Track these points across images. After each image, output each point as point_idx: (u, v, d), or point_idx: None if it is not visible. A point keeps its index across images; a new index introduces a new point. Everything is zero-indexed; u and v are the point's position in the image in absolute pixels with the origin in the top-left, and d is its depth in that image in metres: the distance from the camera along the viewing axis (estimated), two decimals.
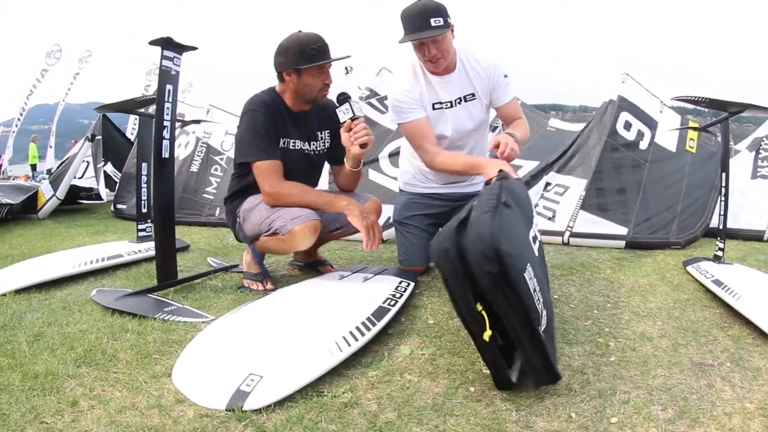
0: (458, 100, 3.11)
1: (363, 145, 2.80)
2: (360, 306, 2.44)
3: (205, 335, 2.24)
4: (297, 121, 2.99)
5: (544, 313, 1.91)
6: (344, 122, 2.80)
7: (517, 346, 1.82)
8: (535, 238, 2.09)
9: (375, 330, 2.21)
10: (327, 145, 3.15)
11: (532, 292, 1.78)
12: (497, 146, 2.72)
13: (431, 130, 3.08)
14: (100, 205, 7.60)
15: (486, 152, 3.43)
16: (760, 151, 5.23)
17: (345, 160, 3.03)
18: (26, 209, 6.50)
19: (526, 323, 1.75)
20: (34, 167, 20.67)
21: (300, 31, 2.87)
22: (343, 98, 2.82)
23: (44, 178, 11.03)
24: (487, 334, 1.74)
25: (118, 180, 7.29)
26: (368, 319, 2.28)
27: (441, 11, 2.83)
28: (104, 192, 7.64)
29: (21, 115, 13.72)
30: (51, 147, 14.35)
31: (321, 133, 3.10)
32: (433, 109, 3.11)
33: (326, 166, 3.35)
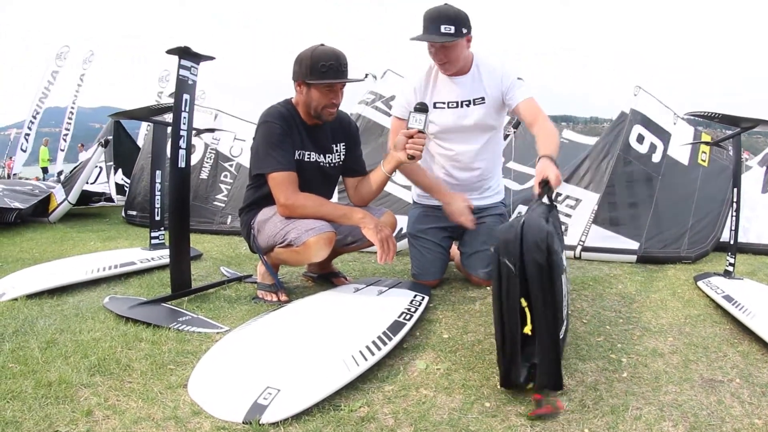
0: (466, 103, 3.17)
1: (411, 157, 2.84)
2: (375, 320, 2.45)
3: (220, 346, 2.24)
4: (312, 133, 3.00)
5: (565, 323, 2.01)
6: (411, 128, 2.82)
7: (537, 342, 1.86)
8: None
9: (391, 345, 2.21)
10: (342, 157, 3.15)
11: (563, 296, 1.92)
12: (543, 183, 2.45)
13: None
14: (111, 210, 7.65)
15: (498, 160, 3.46)
16: None
17: (383, 162, 3.02)
18: (38, 213, 6.54)
19: (552, 322, 1.83)
20: (45, 170, 20.72)
21: (322, 45, 2.86)
22: (423, 109, 2.84)
23: (56, 182, 11.07)
24: (527, 329, 1.83)
25: (127, 187, 7.34)
26: (384, 333, 2.29)
27: (456, 20, 2.91)
28: (115, 196, 7.71)
29: (34, 117, 13.71)
30: (62, 150, 14.35)
31: (336, 146, 3.11)
32: (434, 107, 3.20)
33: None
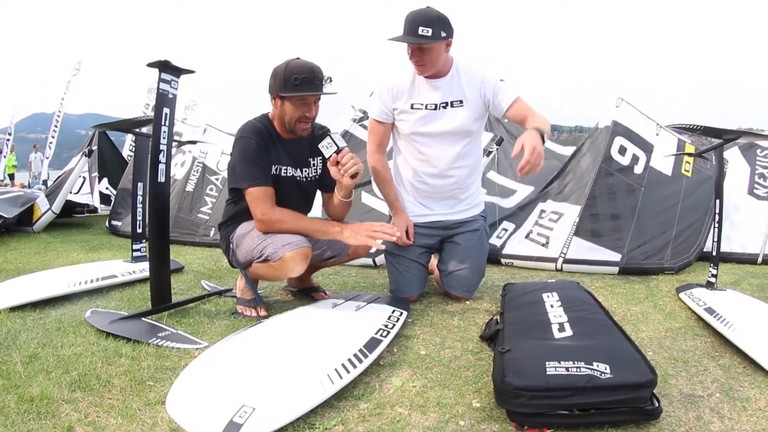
0: (443, 105, 3.16)
1: (353, 176, 2.81)
2: (352, 337, 2.44)
3: (198, 363, 2.24)
4: (288, 147, 3.00)
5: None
6: (330, 157, 2.80)
7: None
8: None
9: (367, 362, 2.21)
10: (319, 171, 3.15)
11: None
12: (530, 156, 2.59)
13: (386, 137, 3.34)
14: (95, 220, 7.61)
15: (477, 171, 3.45)
16: (757, 167, 5.25)
17: (336, 190, 3.03)
18: (21, 222, 6.51)
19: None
20: (12, 177, 20.44)
21: (298, 58, 2.86)
22: (323, 133, 2.84)
23: (39, 189, 10.99)
24: None
25: (113, 197, 7.33)
26: (360, 351, 2.28)
27: (435, 22, 2.93)
28: (99, 206, 7.70)
29: (11, 123, 13.58)
30: (47, 158, 14.23)
31: (313, 160, 3.11)
32: (411, 108, 3.19)
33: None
